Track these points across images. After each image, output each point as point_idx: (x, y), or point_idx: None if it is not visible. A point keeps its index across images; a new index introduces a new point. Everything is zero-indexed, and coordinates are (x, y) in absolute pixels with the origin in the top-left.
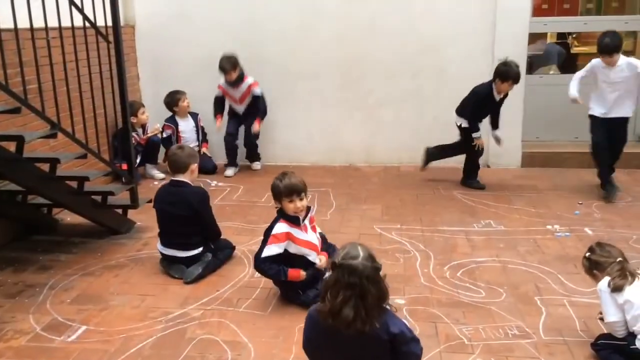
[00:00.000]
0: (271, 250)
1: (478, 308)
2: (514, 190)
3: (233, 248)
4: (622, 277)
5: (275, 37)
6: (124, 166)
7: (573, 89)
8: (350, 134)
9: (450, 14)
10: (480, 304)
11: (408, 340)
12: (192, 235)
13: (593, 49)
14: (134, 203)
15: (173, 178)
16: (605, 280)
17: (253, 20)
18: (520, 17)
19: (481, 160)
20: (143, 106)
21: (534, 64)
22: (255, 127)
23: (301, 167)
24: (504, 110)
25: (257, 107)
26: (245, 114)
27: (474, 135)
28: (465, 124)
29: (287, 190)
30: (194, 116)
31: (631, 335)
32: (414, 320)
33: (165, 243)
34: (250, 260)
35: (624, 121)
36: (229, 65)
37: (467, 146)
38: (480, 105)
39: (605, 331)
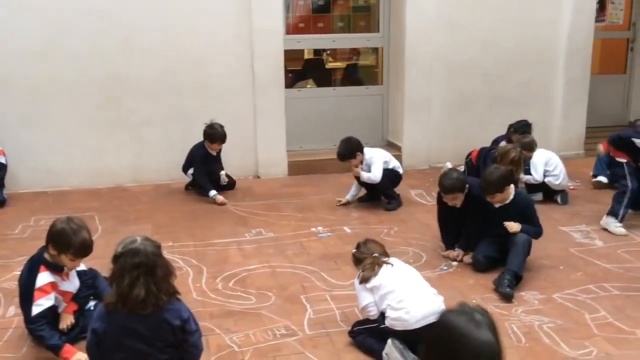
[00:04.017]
0: (40, 305)
1: (248, 314)
2: (283, 197)
3: None
4: (370, 270)
5: (19, 55)
6: None
7: None
8: (115, 154)
9: (208, 32)
10: (251, 310)
11: (193, 331)
12: None
13: (344, 64)
14: None
15: None
16: (358, 273)
17: None
18: (274, 36)
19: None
20: None
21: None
22: None
23: (61, 192)
24: (268, 122)
25: None
26: None
27: (211, 195)
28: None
29: (80, 248)
30: None
31: (381, 316)
32: None
33: None
34: (1, 299)
35: None
36: None
37: None
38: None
39: (361, 318)
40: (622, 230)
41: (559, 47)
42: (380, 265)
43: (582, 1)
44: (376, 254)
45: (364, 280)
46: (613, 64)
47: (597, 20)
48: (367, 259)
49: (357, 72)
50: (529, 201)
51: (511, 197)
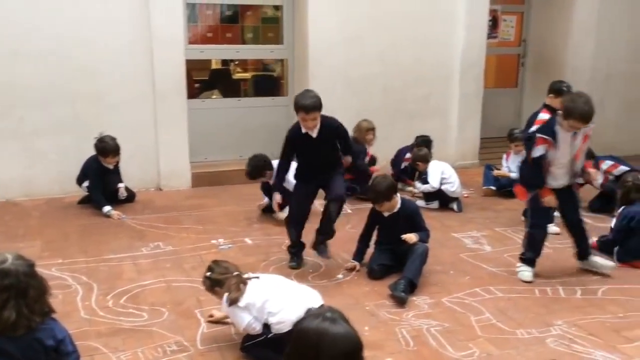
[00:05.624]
0: None
1: (139, 331)
2: (184, 210)
3: None
4: (236, 290)
5: None
6: None
7: None
8: (5, 167)
9: (103, 40)
10: (142, 327)
11: (70, 352)
12: None
13: (250, 74)
14: None
15: None
16: (225, 297)
17: None
18: (174, 45)
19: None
20: None
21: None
22: None
23: None
24: (170, 132)
25: None
26: None
27: (105, 210)
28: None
29: None
30: None
31: (266, 327)
32: None
33: None
34: None
35: None
36: None
37: None
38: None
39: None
40: (555, 229)
41: (454, 63)
42: (245, 283)
43: (475, 19)
44: (237, 272)
45: (234, 302)
46: (506, 78)
47: (490, 37)
48: (229, 280)
49: (264, 83)
50: (415, 207)
51: (398, 205)
